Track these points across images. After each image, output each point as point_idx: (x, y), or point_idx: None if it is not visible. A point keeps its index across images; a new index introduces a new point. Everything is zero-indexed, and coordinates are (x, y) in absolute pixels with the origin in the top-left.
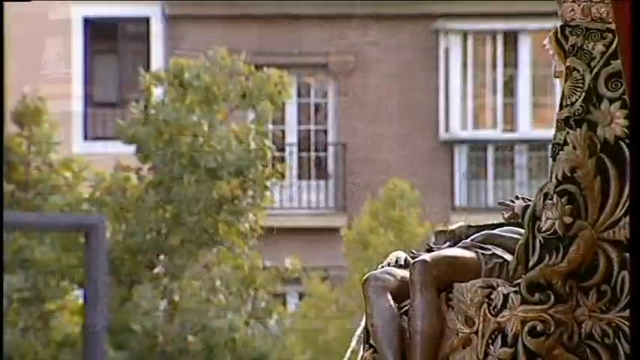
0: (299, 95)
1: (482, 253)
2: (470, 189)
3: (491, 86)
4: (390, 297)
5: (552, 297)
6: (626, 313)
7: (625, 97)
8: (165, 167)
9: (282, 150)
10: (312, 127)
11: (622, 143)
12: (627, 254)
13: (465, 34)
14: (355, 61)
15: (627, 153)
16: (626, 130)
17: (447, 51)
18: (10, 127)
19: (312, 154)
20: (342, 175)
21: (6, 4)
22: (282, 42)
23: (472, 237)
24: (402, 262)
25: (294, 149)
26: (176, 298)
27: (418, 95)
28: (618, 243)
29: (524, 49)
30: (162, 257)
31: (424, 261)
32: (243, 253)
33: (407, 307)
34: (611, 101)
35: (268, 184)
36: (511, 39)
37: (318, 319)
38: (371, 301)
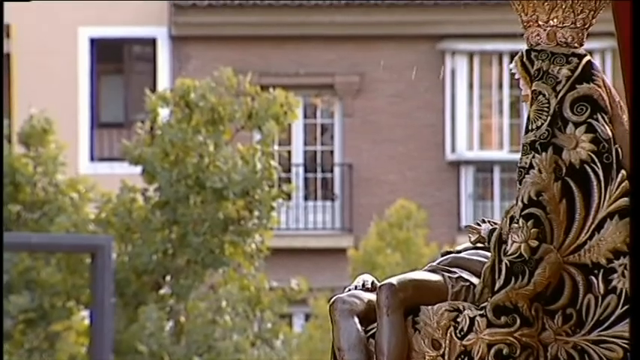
0: (305, 116)
1: (449, 277)
2: (476, 210)
3: (497, 107)
4: (357, 320)
5: (518, 320)
6: (592, 336)
7: (590, 120)
8: (171, 188)
9: (289, 170)
10: (319, 147)
11: (587, 167)
12: (593, 277)
13: (471, 55)
14: (361, 82)
15: (593, 176)
16: (591, 154)
17: (453, 72)
18: (17, 148)
19: (319, 174)
20: (348, 196)
21: (11, 12)
22: (288, 63)
23: (439, 260)
24: (369, 285)
25: (301, 170)
26: (182, 319)
27: (424, 116)
28: (584, 266)
29: None
30: (168, 278)
31: (390, 284)
32: (250, 273)
33: (374, 331)
34: (577, 125)
35: (274, 204)
36: None
37: (325, 340)
38: (338, 325)
